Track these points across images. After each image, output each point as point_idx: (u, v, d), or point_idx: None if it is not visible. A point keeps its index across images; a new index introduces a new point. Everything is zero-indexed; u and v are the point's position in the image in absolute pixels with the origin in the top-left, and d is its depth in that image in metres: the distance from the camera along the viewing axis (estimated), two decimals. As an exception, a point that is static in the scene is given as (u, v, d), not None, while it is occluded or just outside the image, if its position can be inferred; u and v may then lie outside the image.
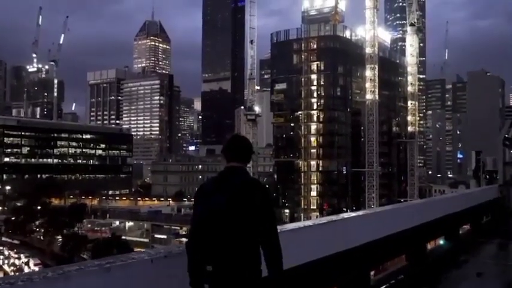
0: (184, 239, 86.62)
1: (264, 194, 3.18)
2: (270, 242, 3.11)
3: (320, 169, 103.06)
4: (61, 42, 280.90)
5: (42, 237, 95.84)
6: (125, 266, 2.98)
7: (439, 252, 9.87)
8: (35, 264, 77.24)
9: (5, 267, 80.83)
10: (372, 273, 7.47)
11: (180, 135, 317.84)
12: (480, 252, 10.36)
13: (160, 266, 3.19)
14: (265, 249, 3.11)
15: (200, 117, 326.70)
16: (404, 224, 7.17)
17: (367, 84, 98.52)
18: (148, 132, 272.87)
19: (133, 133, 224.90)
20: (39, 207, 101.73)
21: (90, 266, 2.84)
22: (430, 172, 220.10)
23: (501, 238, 12.36)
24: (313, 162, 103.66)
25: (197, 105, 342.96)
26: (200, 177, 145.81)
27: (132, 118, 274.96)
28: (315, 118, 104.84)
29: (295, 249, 4.26)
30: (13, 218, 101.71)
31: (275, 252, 3.12)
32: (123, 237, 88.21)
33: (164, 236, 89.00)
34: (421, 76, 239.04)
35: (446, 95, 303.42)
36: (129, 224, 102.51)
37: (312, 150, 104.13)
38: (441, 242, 10.63)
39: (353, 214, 5.79)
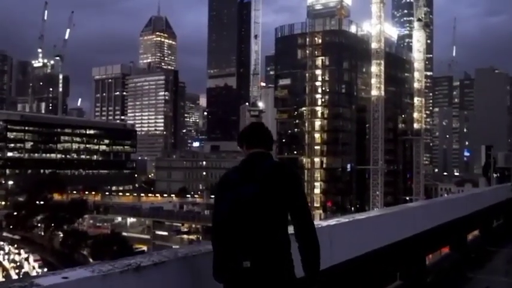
0: (185, 236, 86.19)
1: (297, 178, 2.90)
2: (306, 231, 2.77)
3: (324, 166, 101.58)
4: (66, 37, 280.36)
5: (43, 233, 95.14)
6: None
7: (442, 268, 8.39)
8: (35, 260, 76.96)
9: (5, 263, 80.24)
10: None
11: (185, 131, 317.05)
12: (491, 265, 8.91)
13: None
14: (300, 240, 2.76)
15: (205, 113, 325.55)
16: (396, 235, 5.75)
17: (373, 80, 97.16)
18: (153, 128, 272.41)
19: (137, 129, 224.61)
20: (41, 203, 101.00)
21: None
22: (436, 170, 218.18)
23: None
24: (317, 159, 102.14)
25: (202, 101, 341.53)
26: (204, 173, 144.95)
27: (137, 114, 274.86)
28: (319, 114, 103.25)
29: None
30: (15, 213, 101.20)
31: (312, 244, 2.76)
32: (124, 234, 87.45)
33: (165, 233, 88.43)
34: (428, 73, 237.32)
35: (454, 92, 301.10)
36: (130, 220, 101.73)
37: (316, 147, 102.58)
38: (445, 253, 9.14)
39: (323, 223, 4.36)
